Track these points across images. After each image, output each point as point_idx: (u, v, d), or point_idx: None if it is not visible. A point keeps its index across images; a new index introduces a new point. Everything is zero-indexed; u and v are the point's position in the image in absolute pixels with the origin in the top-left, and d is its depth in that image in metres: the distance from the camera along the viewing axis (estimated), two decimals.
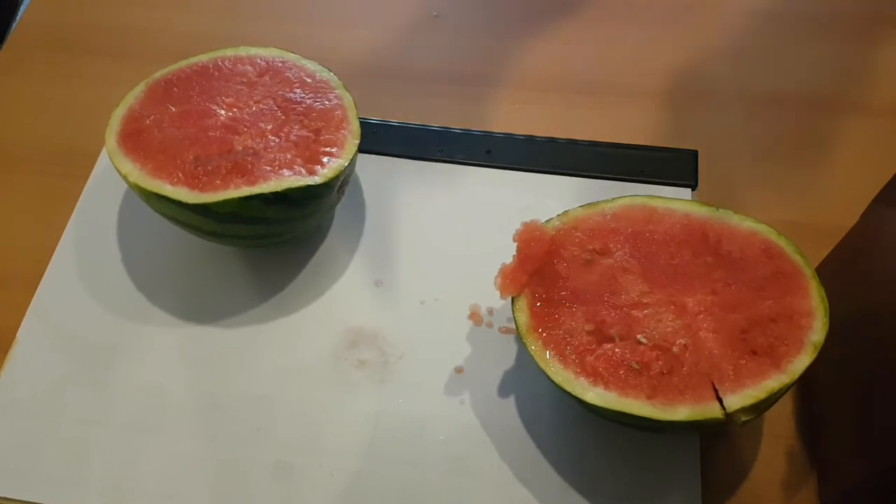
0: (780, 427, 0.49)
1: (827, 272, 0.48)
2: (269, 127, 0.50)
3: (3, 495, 0.47)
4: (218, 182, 0.47)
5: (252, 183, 0.47)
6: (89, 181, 0.59)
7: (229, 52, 0.55)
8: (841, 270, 0.48)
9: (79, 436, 0.49)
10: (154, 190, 0.47)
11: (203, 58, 0.54)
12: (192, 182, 0.48)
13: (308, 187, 0.48)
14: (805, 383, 0.50)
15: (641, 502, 0.46)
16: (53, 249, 0.56)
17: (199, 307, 0.53)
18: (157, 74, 0.53)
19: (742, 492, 0.47)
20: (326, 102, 0.52)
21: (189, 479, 0.47)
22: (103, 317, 0.53)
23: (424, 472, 0.47)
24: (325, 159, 0.49)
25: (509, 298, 0.46)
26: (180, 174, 0.48)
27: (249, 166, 0.48)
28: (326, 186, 0.49)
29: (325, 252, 0.55)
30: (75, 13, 0.70)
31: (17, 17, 0.71)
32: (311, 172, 0.48)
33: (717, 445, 0.48)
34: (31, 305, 0.53)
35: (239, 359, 0.51)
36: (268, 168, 0.48)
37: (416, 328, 0.52)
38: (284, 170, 0.48)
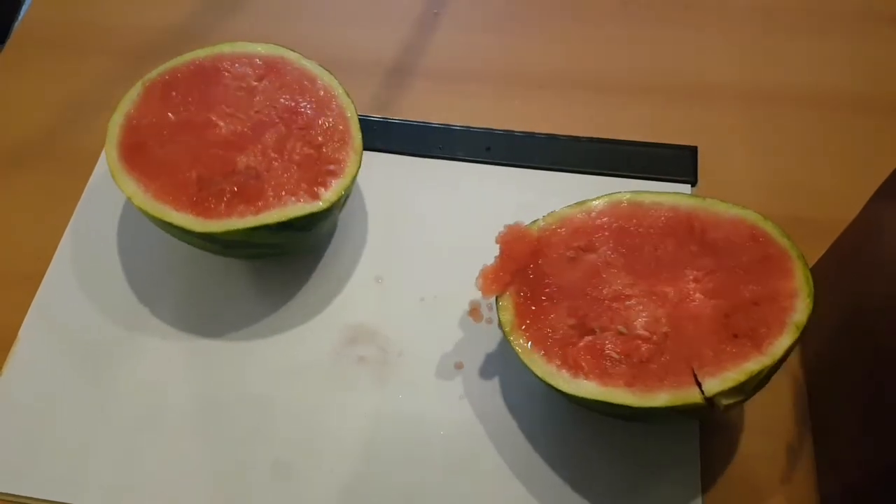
0: (780, 421, 0.49)
1: (826, 267, 0.48)
2: (270, 143, 0.50)
3: (3, 491, 0.47)
4: (222, 209, 0.47)
5: (257, 212, 0.47)
6: (91, 180, 0.59)
7: (227, 49, 0.54)
8: (840, 265, 0.48)
9: (80, 434, 0.49)
10: (159, 216, 0.47)
11: (200, 54, 0.53)
12: (197, 208, 0.47)
13: (312, 214, 0.48)
14: (805, 378, 0.50)
15: (641, 497, 0.46)
16: (55, 248, 0.56)
17: (199, 305, 0.53)
18: (154, 73, 0.53)
19: (742, 486, 0.47)
20: (328, 112, 0.51)
21: (189, 479, 0.47)
22: (104, 315, 0.53)
23: (424, 468, 0.47)
24: (328, 180, 0.49)
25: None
26: (184, 199, 0.48)
27: (253, 191, 0.48)
28: (330, 210, 0.48)
29: (325, 249, 0.56)
30: (77, 12, 0.70)
31: (20, 16, 0.71)
32: (315, 196, 0.48)
33: (717, 440, 0.48)
34: (32, 304, 0.53)
35: (238, 357, 0.51)
36: (271, 194, 0.48)
37: (416, 325, 0.52)
38: (288, 195, 0.48)
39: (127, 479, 0.47)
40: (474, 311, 0.52)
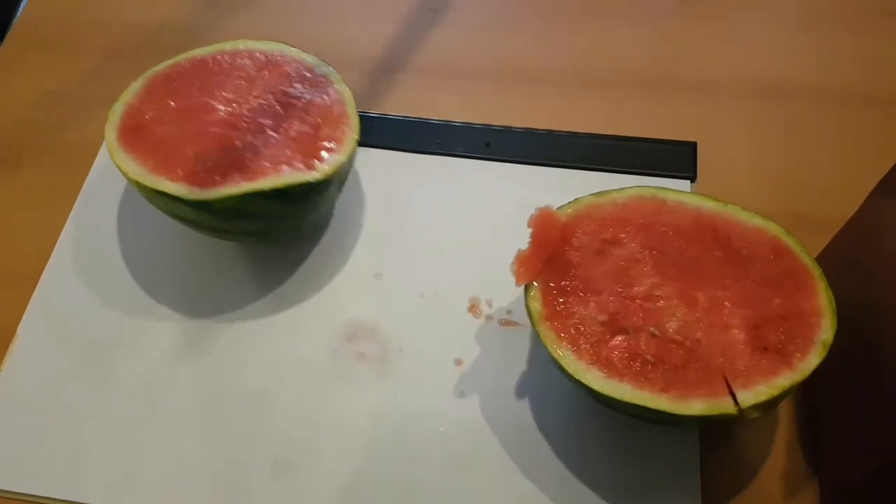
0: (780, 419, 0.49)
1: (825, 263, 0.48)
2: (268, 122, 0.50)
3: (3, 488, 0.47)
4: (217, 178, 0.47)
5: (251, 179, 0.47)
6: (89, 176, 0.59)
7: (228, 46, 0.54)
8: (839, 261, 0.48)
9: (79, 430, 0.49)
10: (154, 187, 0.47)
11: (201, 51, 0.54)
12: (192, 179, 0.47)
13: (307, 184, 0.48)
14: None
15: (641, 494, 0.46)
16: (54, 244, 0.56)
17: (199, 302, 0.53)
18: (157, 68, 0.53)
19: (741, 483, 0.47)
20: (326, 97, 0.52)
21: (188, 474, 0.47)
22: (104, 311, 0.53)
23: (424, 465, 0.47)
24: (324, 154, 0.49)
25: (514, 289, 0.46)
26: (180, 171, 0.48)
27: (249, 163, 0.48)
28: (325, 183, 0.49)
29: (325, 245, 0.56)
30: (75, 8, 0.70)
31: (18, 12, 0.71)
32: (311, 168, 0.48)
33: (717, 437, 0.48)
34: (31, 300, 0.53)
35: (238, 353, 0.51)
36: (267, 164, 0.48)
37: (416, 321, 0.52)
38: (284, 166, 0.48)
39: (127, 476, 0.47)
40: (474, 308, 0.52)
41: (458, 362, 0.50)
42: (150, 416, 0.49)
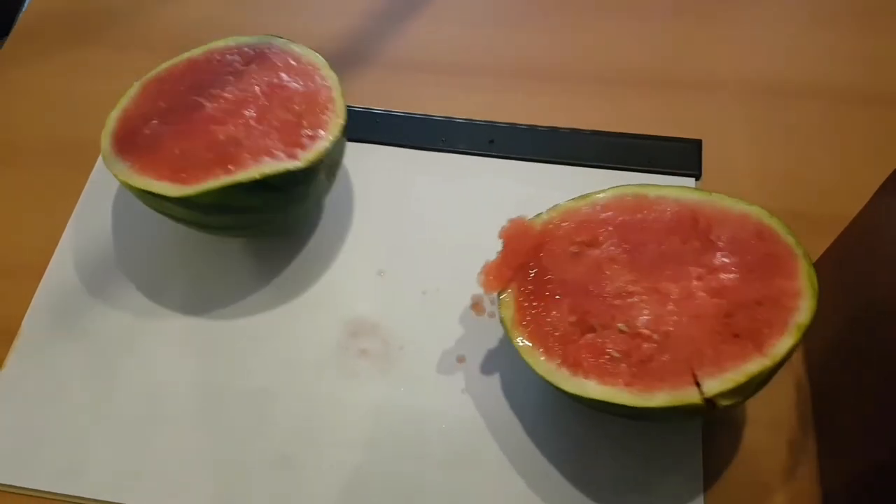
0: (783, 417, 0.48)
1: (830, 263, 0.47)
2: (252, 114, 0.50)
3: (6, 483, 0.47)
4: (200, 174, 0.47)
5: (231, 172, 0.47)
6: (93, 172, 0.59)
7: (220, 44, 0.54)
8: (844, 261, 0.47)
9: (81, 427, 0.49)
10: (141, 187, 0.47)
11: (197, 52, 0.54)
12: (176, 176, 0.47)
13: (288, 172, 0.47)
14: (808, 373, 0.49)
15: (643, 492, 0.46)
16: (57, 240, 0.56)
17: (203, 299, 0.53)
18: (152, 73, 0.53)
19: (743, 480, 0.46)
20: (311, 84, 0.51)
21: (191, 471, 0.48)
22: (106, 308, 0.53)
23: (425, 462, 0.47)
24: (307, 142, 0.49)
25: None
26: (166, 171, 0.48)
27: (231, 156, 0.48)
28: (310, 170, 0.48)
29: (327, 242, 0.56)
30: (80, 3, 0.70)
31: (23, 7, 0.71)
32: (293, 157, 0.48)
33: (720, 434, 0.48)
34: (34, 296, 0.54)
35: (241, 350, 0.51)
36: (248, 156, 0.48)
37: (418, 318, 0.52)
38: (265, 157, 0.48)
39: (128, 473, 0.48)
40: (476, 305, 0.52)
41: (460, 360, 0.50)
42: (151, 413, 0.49)
